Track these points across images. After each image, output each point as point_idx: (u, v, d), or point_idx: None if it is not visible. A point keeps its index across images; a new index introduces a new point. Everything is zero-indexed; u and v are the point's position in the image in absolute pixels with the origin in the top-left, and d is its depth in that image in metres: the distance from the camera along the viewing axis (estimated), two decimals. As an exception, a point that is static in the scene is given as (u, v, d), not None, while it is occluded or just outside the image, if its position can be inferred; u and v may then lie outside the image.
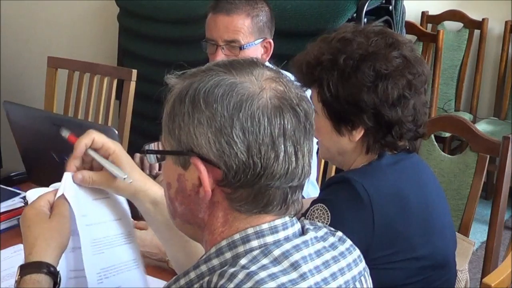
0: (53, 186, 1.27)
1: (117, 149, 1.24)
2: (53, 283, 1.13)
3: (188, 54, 2.76)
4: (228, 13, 2.15)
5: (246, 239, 1.00)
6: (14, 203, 1.94)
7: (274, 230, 1.02)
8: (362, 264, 1.12)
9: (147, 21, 3.64)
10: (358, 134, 1.56)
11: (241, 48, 2.15)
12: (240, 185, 0.98)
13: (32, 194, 1.55)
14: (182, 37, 3.46)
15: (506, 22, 4.17)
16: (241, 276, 0.94)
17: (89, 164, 1.25)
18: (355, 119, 1.55)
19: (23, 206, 1.90)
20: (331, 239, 1.09)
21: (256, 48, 2.19)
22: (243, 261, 0.97)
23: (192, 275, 1.02)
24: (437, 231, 1.62)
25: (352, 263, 1.09)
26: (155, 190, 1.26)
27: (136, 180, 1.24)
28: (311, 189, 2.20)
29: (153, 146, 2.07)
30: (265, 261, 0.98)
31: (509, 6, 4.10)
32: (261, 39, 2.20)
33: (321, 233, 1.09)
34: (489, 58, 4.29)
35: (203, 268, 1.01)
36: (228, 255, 1.00)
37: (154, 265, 1.65)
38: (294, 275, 0.98)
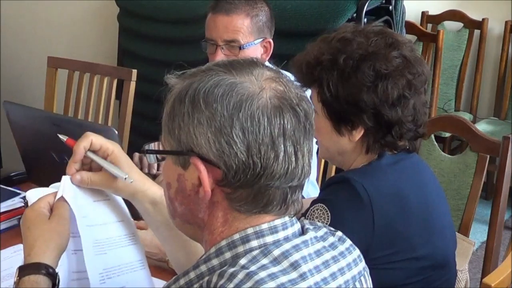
0: (53, 186, 1.27)
1: (115, 149, 1.24)
2: (51, 284, 1.13)
3: (188, 54, 2.76)
4: (227, 13, 2.15)
5: (245, 239, 1.00)
6: (14, 203, 1.94)
7: (273, 230, 1.02)
8: (362, 264, 1.12)
9: (147, 21, 3.64)
10: (358, 134, 1.56)
11: (240, 48, 2.15)
12: (240, 185, 0.98)
13: (32, 194, 1.55)
14: (182, 37, 3.46)
15: (506, 22, 4.17)
16: (240, 276, 0.94)
17: (88, 166, 1.26)
18: (355, 119, 1.55)
19: (23, 206, 1.91)
20: (331, 239, 1.09)
21: (256, 48, 2.19)
22: (242, 261, 0.97)
23: (192, 275, 1.02)
24: (437, 231, 1.62)
25: (352, 263, 1.09)
26: (154, 190, 1.26)
27: (135, 180, 1.24)
28: (311, 189, 2.20)
29: (153, 146, 2.08)
30: (264, 261, 0.98)
31: (509, 6, 4.10)
32: (261, 39, 2.20)
33: (321, 233, 1.09)
34: (489, 58, 4.29)
35: (203, 268, 1.01)
36: (227, 255, 1.00)
37: (154, 265, 1.65)
38: (293, 275, 0.98)
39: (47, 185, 1.40)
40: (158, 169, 2.17)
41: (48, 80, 2.95)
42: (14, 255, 1.70)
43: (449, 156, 2.18)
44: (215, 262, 1.01)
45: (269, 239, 1.01)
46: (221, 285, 0.94)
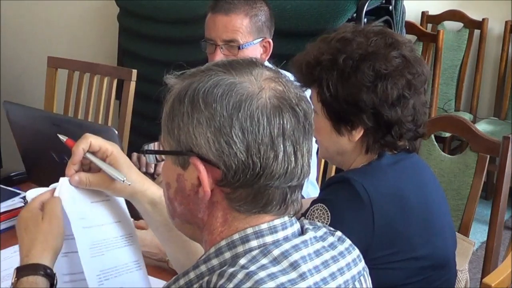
0: (53, 186, 1.27)
1: (114, 150, 1.24)
2: (49, 285, 1.13)
3: (188, 54, 2.76)
4: (226, 13, 2.15)
5: (245, 239, 1.00)
6: (14, 203, 1.94)
7: (273, 230, 1.02)
8: (362, 264, 1.12)
9: (147, 21, 3.64)
10: (358, 134, 1.56)
11: (239, 47, 2.15)
12: (240, 185, 0.98)
13: (32, 194, 1.54)
14: (182, 37, 3.46)
15: (506, 22, 4.17)
16: (240, 276, 0.94)
17: (87, 166, 1.26)
18: (354, 119, 1.55)
19: (23, 206, 1.90)
20: (331, 239, 1.09)
21: (255, 48, 2.19)
22: (242, 261, 0.98)
23: (192, 275, 1.02)
24: (437, 231, 1.62)
25: (351, 263, 1.09)
26: (153, 191, 1.26)
27: (134, 181, 1.24)
28: (311, 189, 2.20)
29: (152, 146, 2.08)
30: (264, 261, 0.98)
31: (509, 6, 4.10)
32: (260, 39, 2.20)
33: (320, 233, 1.09)
34: (489, 58, 4.29)
35: (203, 268, 1.01)
36: (227, 255, 1.00)
37: (154, 265, 1.65)
38: (293, 275, 0.98)
39: (47, 185, 1.40)
40: (155, 169, 2.17)
41: (48, 80, 2.95)
42: (14, 255, 1.70)
43: (449, 156, 2.18)
44: (214, 262, 1.01)
45: (268, 239, 1.01)
46: (221, 285, 0.94)
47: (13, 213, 1.91)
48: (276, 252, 0.99)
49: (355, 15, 2.99)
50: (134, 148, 2.34)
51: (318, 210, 1.51)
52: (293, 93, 1.01)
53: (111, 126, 2.53)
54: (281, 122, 0.98)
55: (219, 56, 2.15)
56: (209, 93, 0.98)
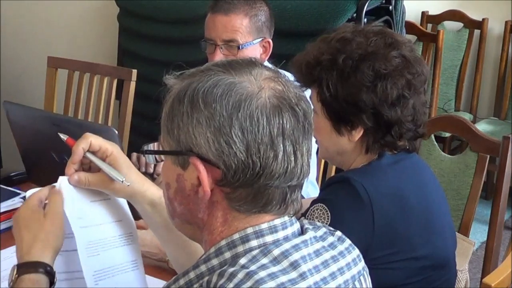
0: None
1: (114, 150, 1.24)
2: (49, 283, 1.13)
3: (188, 54, 2.76)
4: (226, 12, 2.15)
5: (245, 239, 1.00)
6: (14, 203, 1.94)
7: (273, 230, 1.02)
8: (361, 264, 1.12)
9: (147, 21, 3.64)
10: (358, 134, 1.56)
11: (239, 47, 2.15)
12: (239, 184, 0.98)
13: (32, 194, 1.55)
14: (182, 37, 3.46)
15: (506, 22, 4.17)
16: (240, 275, 0.94)
17: (87, 166, 1.26)
18: (354, 119, 1.55)
19: (23, 206, 1.91)
20: (330, 239, 1.09)
21: (255, 48, 2.19)
22: (242, 261, 0.98)
23: (192, 275, 1.02)
24: (437, 231, 1.62)
25: (351, 262, 1.09)
26: (153, 192, 1.26)
27: (133, 182, 1.24)
28: (311, 189, 2.20)
29: (151, 146, 2.08)
30: (264, 260, 0.98)
31: (509, 6, 4.10)
32: (260, 39, 2.20)
33: (320, 232, 1.09)
34: (489, 58, 4.29)
35: (203, 268, 1.01)
36: (227, 254, 1.00)
37: (154, 265, 1.65)
38: (293, 274, 0.98)
39: (47, 185, 1.40)
40: (154, 169, 2.17)
41: (48, 80, 2.95)
42: (14, 255, 1.69)
43: (449, 156, 2.18)
44: (215, 262, 1.01)
45: (268, 238, 1.01)
46: (221, 284, 0.94)
47: (13, 213, 1.90)
48: (276, 251, 0.99)
49: (355, 15, 2.99)
50: (134, 148, 2.34)
51: (318, 210, 1.51)
52: (293, 93, 1.01)
53: (111, 126, 2.53)
54: (281, 121, 0.98)
55: (219, 56, 2.15)
56: (208, 93, 0.98)
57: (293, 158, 0.99)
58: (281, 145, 0.98)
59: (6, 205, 1.92)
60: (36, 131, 2.00)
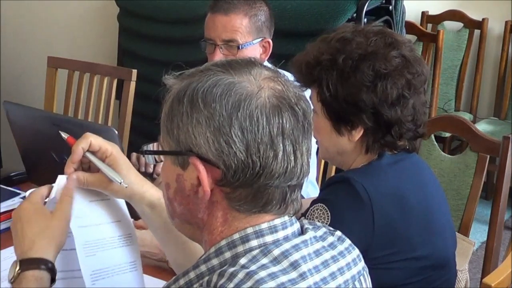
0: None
1: (114, 151, 1.24)
2: (50, 280, 1.13)
3: (188, 54, 2.76)
4: (226, 12, 2.15)
5: (245, 239, 1.00)
6: (14, 203, 1.94)
7: (273, 230, 1.02)
8: (361, 264, 1.12)
9: (147, 21, 3.64)
10: (358, 134, 1.56)
11: (239, 47, 2.15)
12: (239, 184, 0.98)
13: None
14: (182, 37, 3.46)
15: (506, 22, 4.17)
16: (241, 275, 0.94)
17: (87, 165, 1.25)
18: (354, 119, 1.55)
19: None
20: (330, 239, 1.09)
21: (255, 48, 2.19)
22: (242, 261, 0.98)
23: (192, 275, 1.02)
24: (437, 231, 1.62)
25: (351, 262, 1.09)
26: (152, 193, 1.26)
27: (132, 183, 1.24)
28: (311, 189, 2.20)
29: (151, 147, 2.08)
30: (264, 260, 0.98)
31: (509, 6, 4.10)
32: (260, 39, 2.20)
33: (320, 232, 1.09)
34: (489, 58, 4.29)
35: (203, 268, 1.01)
36: (227, 254, 1.00)
37: (154, 265, 1.65)
38: (293, 274, 0.98)
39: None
40: (154, 169, 2.17)
41: (48, 80, 2.95)
42: (14, 255, 1.69)
43: (449, 156, 2.18)
44: (215, 262, 1.01)
45: (268, 238, 1.01)
46: (221, 284, 0.94)
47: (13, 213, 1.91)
48: (276, 251, 0.99)
49: (355, 15, 2.99)
50: (134, 148, 2.34)
51: (318, 210, 1.51)
52: (292, 93, 1.01)
53: (111, 126, 2.53)
54: (280, 121, 0.98)
55: (219, 56, 2.15)
56: (208, 93, 0.98)
57: (293, 158, 0.99)
58: (281, 145, 0.98)
59: (6, 205, 1.91)
60: (36, 131, 2.00)
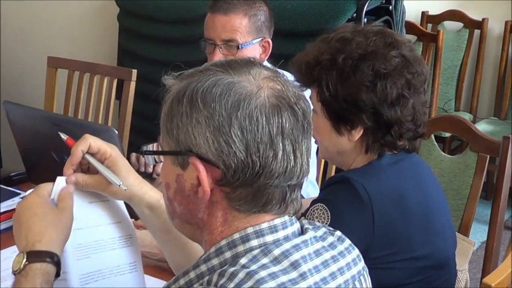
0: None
1: (113, 153, 1.23)
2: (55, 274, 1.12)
3: (188, 54, 2.76)
4: (225, 12, 2.15)
5: (245, 239, 1.00)
6: (14, 203, 1.94)
7: (273, 230, 1.02)
8: (361, 264, 1.12)
9: (147, 21, 3.64)
10: (357, 133, 1.56)
11: (238, 47, 2.15)
12: (239, 184, 0.98)
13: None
14: (182, 37, 3.46)
15: (506, 22, 4.17)
16: (241, 275, 0.94)
17: (86, 167, 1.25)
18: (354, 119, 1.55)
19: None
20: (330, 239, 1.09)
21: (254, 48, 2.19)
22: (243, 261, 0.98)
23: (192, 275, 1.02)
24: (437, 231, 1.62)
25: (351, 262, 1.09)
26: (151, 195, 1.26)
27: (131, 185, 1.23)
28: (311, 189, 2.20)
29: (151, 147, 2.08)
30: (265, 260, 0.98)
31: (509, 6, 4.10)
32: (259, 39, 2.20)
33: (320, 232, 1.09)
34: (489, 58, 4.29)
35: (203, 267, 1.01)
36: (227, 254, 1.00)
37: (154, 265, 1.65)
38: (294, 274, 0.98)
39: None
40: (153, 169, 2.17)
41: (48, 80, 2.96)
42: (14, 255, 1.69)
43: (449, 156, 2.18)
44: (215, 261, 1.01)
45: (269, 238, 1.01)
46: (221, 284, 0.94)
47: (13, 213, 1.90)
48: (276, 251, 0.99)
49: (355, 15, 2.99)
50: (134, 148, 2.34)
51: (318, 210, 1.51)
52: (292, 92, 1.01)
53: (111, 126, 2.53)
54: (280, 121, 0.98)
55: (218, 56, 2.15)
56: (207, 93, 0.98)
57: (292, 157, 0.99)
58: (281, 144, 0.98)
59: (6, 205, 1.91)
60: (36, 131, 2.00)
